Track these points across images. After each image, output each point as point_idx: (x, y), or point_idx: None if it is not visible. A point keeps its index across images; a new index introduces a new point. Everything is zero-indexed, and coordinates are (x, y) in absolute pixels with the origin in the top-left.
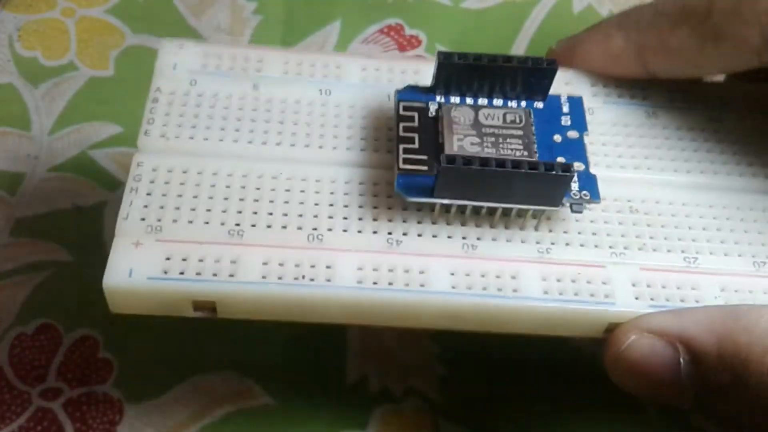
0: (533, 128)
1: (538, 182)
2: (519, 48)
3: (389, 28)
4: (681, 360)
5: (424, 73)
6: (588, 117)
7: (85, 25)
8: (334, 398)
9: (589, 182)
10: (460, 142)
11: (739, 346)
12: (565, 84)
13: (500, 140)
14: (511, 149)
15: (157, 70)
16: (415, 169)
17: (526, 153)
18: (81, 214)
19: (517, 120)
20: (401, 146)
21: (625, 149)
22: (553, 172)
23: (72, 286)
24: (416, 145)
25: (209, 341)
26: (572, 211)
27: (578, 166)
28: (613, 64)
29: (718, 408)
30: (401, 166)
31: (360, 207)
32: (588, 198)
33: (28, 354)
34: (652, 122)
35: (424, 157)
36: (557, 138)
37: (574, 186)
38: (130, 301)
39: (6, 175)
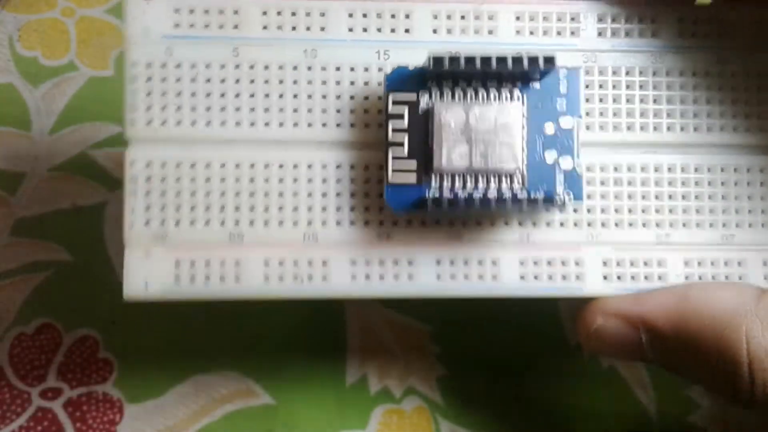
0: (525, 124)
1: (522, 210)
2: None
3: None
4: (642, 338)
5: (417, 16)
6: (589, 65)
7: (85, 25)
8: (334, 398)
9: (574, 182)
10: (449, 154)
11: (691, 330)
12: (571, 19)
13: (489, 149)
14: (500, 161)
15: (128, 38)
16: (404, 182)
17: (513, 165)
18: (81, 214)
19: (510, 121)
20: (390, 153)
21: (621, 105)
22: (536, 206)
23: (72, 286)
24: (405, 152)
25: (209, 341)
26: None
27: (566, 163)
28: None
29: (677, 367)
30: (390, 180)
31: (352, 195)
32: (571, 198)
33: (28, 354)
34: (656, 67)
35: (413, 166)
36: (549, 129)
37: (560, 187)
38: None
39: (6, 175)
